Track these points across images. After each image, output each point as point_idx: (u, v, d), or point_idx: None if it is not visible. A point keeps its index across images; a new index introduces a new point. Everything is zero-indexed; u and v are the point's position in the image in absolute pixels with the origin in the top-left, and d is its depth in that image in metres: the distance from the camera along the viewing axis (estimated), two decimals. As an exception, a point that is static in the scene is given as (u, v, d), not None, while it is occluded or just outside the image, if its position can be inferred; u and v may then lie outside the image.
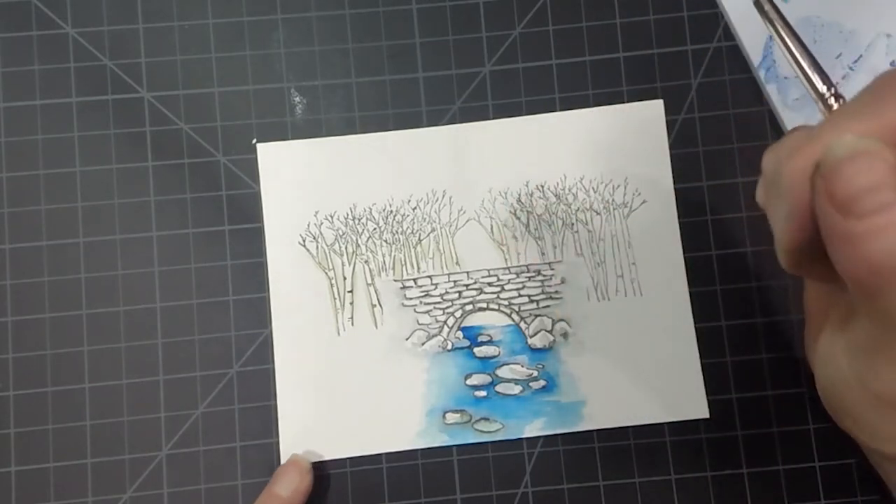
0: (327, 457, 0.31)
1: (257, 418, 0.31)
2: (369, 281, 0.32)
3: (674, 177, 0.33)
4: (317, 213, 0.33)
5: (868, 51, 0.33)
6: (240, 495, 0.31)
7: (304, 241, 0.32)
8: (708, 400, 0.32)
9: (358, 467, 0.31)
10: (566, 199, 0.33)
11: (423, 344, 0.32)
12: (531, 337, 0.32)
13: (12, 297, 0.32)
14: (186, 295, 0.32)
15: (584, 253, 0.33)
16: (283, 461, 0.31)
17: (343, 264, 0.32)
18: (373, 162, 0.33)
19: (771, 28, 0.26)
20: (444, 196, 0.33)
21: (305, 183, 0.33)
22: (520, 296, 0.32)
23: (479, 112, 0.33)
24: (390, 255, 0.33)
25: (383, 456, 0.31)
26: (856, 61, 0.33)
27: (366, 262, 0.32)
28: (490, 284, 0.32)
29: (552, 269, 0.32)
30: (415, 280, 0.32)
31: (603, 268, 0.32)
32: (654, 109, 0.33)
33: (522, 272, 0.32)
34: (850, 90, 0.32)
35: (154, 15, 0.34)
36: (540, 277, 0.32)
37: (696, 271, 0.32)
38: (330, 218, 0.33)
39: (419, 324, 0.32)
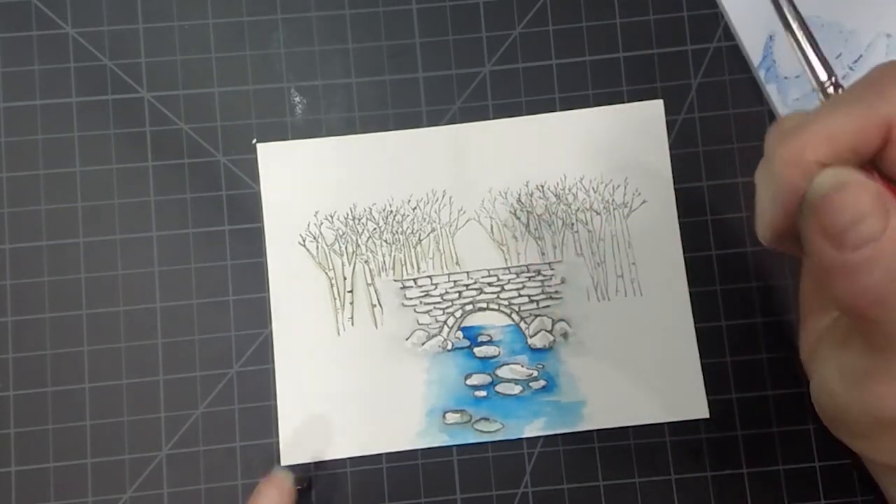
0: (327, 457, 0.31)
1: (257, 418, 0.31)
2: (369, 281, 0.32)
3: (674, 177, 0.33)
4: (317, 213, 0.33)
5: (868, 51, 0.33)
6: (240, 495, 0.31)
7: (304, 241, 0.32)
8: (708, 400, 0.32)
9: (358, 467, 0.31)
10: (566, 199, 0.33)
11: (423, 344, 0.32)
12: (531, 337, 0.32)
13: (12, 297, 0.32)
14: (186, 295, 0.32)
15: (584, 253, 0.33)
16: (283, 461, 0.31)
17: (343, 264, 0.32)
18: (373, 162, 0.33)
19: (776, 10, 0.25)
20: (444, 196, 0.33)
21: (305, 183, 0.33)
22: (520, 296, 0.32)
23: (479, 112, 0.33)
24: (390, 255, 0.33)
25: (383, 456, 0.31)
26: (856, 61, 0.33)
27: (366, 262, 0.32)
28: (490, 284, 0.32)
29: (552, 269, 0.32)
30: (415, 280, 0.32)
31: (603, 268, 0.32)
32: (654, 109, 0.33)
33: (522, 272, 0.32)
34: (850, 90, 0.32)
35: (154, 15, 0.34)
36: (540, 277, 0.32)
37: (696, 271, 0.32)
38: (330, 218, 0.33)
39: (419, 324, 0.32)
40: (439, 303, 0.32)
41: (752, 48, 0.33)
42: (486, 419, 0.32)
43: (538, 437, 0.31)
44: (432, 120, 0.33)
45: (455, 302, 0.32)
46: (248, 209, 0.33)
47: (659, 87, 0.33)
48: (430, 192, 0.33)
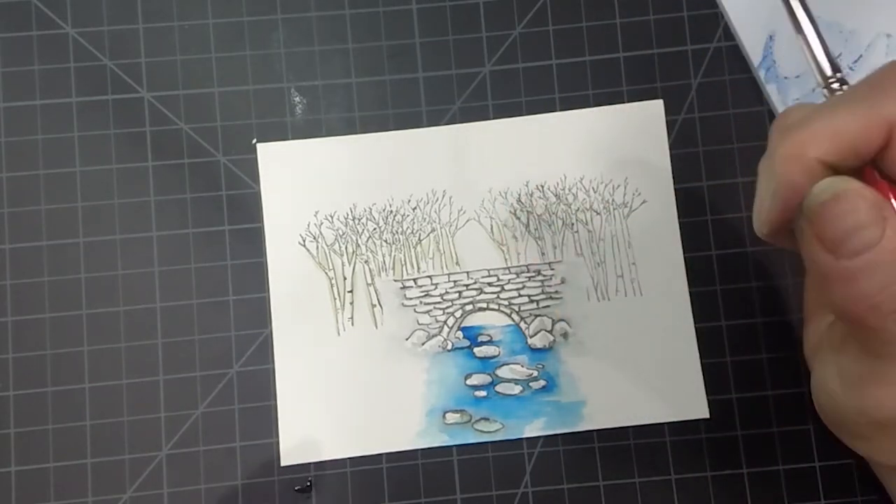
0: (327, 457, 0.31)
1: (257, 418, 0.31)
2: (369, 281, 0.32)
3: (674, 177, 0.33)
4: (317, 213, 0.33)
5: (868, 51, 0.33)
6: (240, 495, 0.31)
7: (304, 241, 0.32)
8: (708, 400, 0.32)
9: (358, 467, 0.31)
10: (566, 199, 0.33)
11: (423, 344, 0.32)
12: (531, 337, 0.32)
13: (12, 297, 0.32)
14: (186, 295, 0.32)
15: (584, 253, 0.33)
16: (283, 461, 0.31)
17: (343, 264, 0.32)
18: (373, 162, 0.33)
19: (784, 3, 0.25)
20: (444, 196, 0.33)
21: (305, 183, 0.33)
22: (520, 296, 0.32)
23: (479, 112, 0.33)
24: (390, 255, 0.33)
25: (383, 456, 0.31)
26: (856, 61, 0.33)
27: (366, 262, 0.32)
28: (490, 284, 0.32)
29: (552, 269, 0.32)
30: (415, 280, 0.32)
31: (603, 268, 0.32)
32: (654, 109, 0.33)
33: (522, 272, 0.32)
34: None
35: (154, 15, 0.34)
36: (540, 277, 0.32)
37: (696, 271, 0.32)
38: (330, 218, 0.33)
39: (419, 324, 0.32)
40: (439, 303, 0.32)
41: (752, 48, 0.33)
42: (486, 419, 0.32)
43: (538, 437, 0.31)
44: (432, 120, 0.33)
45: (455, 302, 0.32)
46: (248, 209, 0.33)
47: (659, 87, 0.33)
48: (430, 192, 0.33)
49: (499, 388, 0.32)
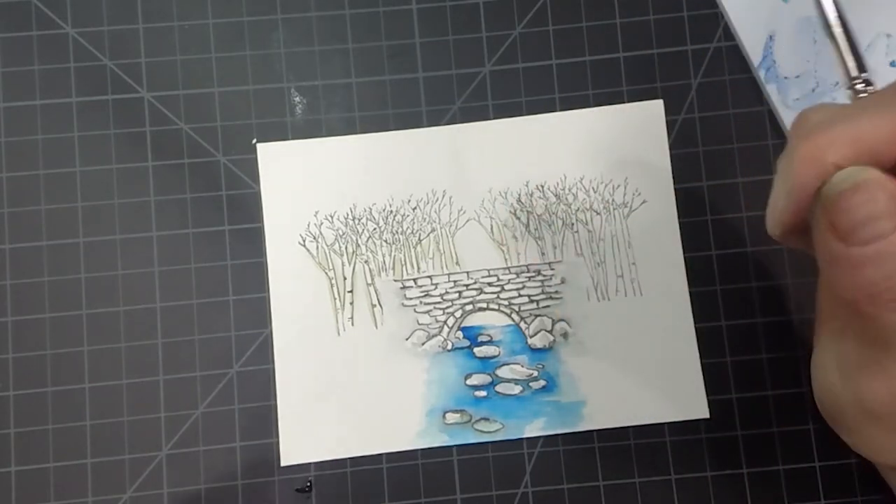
0: (327, 457, 0.31)
1: (257, 418, 0.31)
2: (369, 281, 0.32)
3: (674, 177, 0.33)
4: (317, 213, 0.33)
5: (868, 51, 0.33)
6: (240, 495, 0.31)
7: (304, 241, 0.32)
8: (708, 400, 0.32)
9: (358, 467, 0.31)
10: (566, 199, 0.33)
11: (423, 344, 0.32)
12: (531, 337, 0.32)
13: (12, 297, 0.32)
14: (186, 295, 0.32)
15: (584, 253, 0.33)
16: (283, 461, 0.31)
17: (343, 264, 0.32)
18: (373, 162, 0.33)
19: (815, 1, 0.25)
20: (444, 196, 0.33)
21: (305, 183, 0.33)
22: (520, 296, 0.32)
23: (479, 112, 0.33)
24: (390, 255, 0.33)
25: (383, 456, 0.31)
26: (856, 61, 0.33)
27: (366, 262, 0.32)
28: (490, 284, 0.32)
29: (552, 269, 0.32)
30: (415, 280, 0.32)
31: (603, 268, 0.32)
32: (654, 109, 0.33)
33: (522, 272, 0.32)
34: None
35: (154, 15, 0.34)
36: (540, 277, 0.32)
37: (696, 271, 0.32)
38: (330, 218, 0.33)
39: (419, 324, 0.32)
40: (439, 303, 0.32)
41: (752, 48, 0.33)
42: (486, 419, 0.32)
43: (538, 437, 0.31)
44: (432, 120, 0.33)
45: (455, 302, 0.32)
46: (248, 209, 0.33)
47: (659, 87, 0.33)
48: (430, 192, 0.33)
49: (499, 388, 0.32)
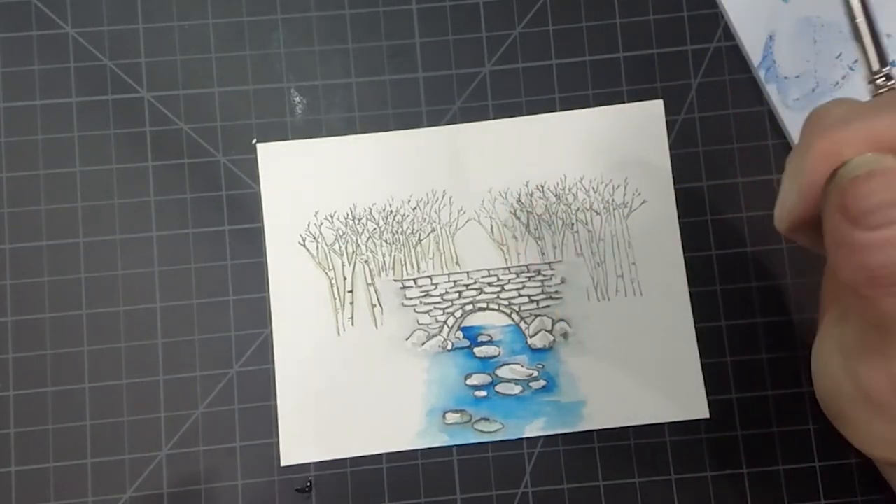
0: (327, 457, 0.31)
1: (257, 418, 0.31)
2: (369, 281, 0.32)
3: (674, 177, 0.33)
4: (317, 213, 0.33)
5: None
6: (240, 495, 0.31)
7: (304, 241, 0.32)
8: (708, 400, 0.32)
9: (358, 467, 0.31)
10: (566, 199, 0.33)
11: (423, 344, 0.32)
12: (531, 337, 0.32)
13: (12, 297, 0.32)
14: (186, 295, 0.32)
15: (584, 253, 0.33)
16: (283, 461, 0.31)
17: (343, 264, 0.32)
18: (373, 162, 0.33)
19: None
20: (444, 196, 0.33)
21: (305, 183, 0.33)
22: (520, 296, 0.32)
23: (479, 112, 0.33)
24: (390, 255, 0.33)
25: (383, 456, 0.31)
26: (856, 61, 0.33)
27: (366, 262, 0.32)
28: (490, 284, 0.32)
29: (552, 269, 0.32)
30: (415, 280, 0.32)
31: (603, 268, 0.32)
32: (654, 109, 0.33)
33: (522, 272, 0.32)
34: (850, 90, 0.32)
35: (154, 15, 0.34)
36: (540, 277, 0.32)
37: (696, 271, 0.32)
38: (330, 218, 0.33)
39: (419, 324, 0.32)
40: (439, 303, 0.32)
41: (752, 48, 0.33)
42: (486, 419, 0.32)
43: (538, 437, 0.31)
44: (432, 120, 0.33)
45: (455, 302, 0.32)
46: (248, 209, 0.33)
47: (659, 87, 0.33)
48: (430, 192, 0.33)
49: (499, 388, 0.32)
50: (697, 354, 0.32)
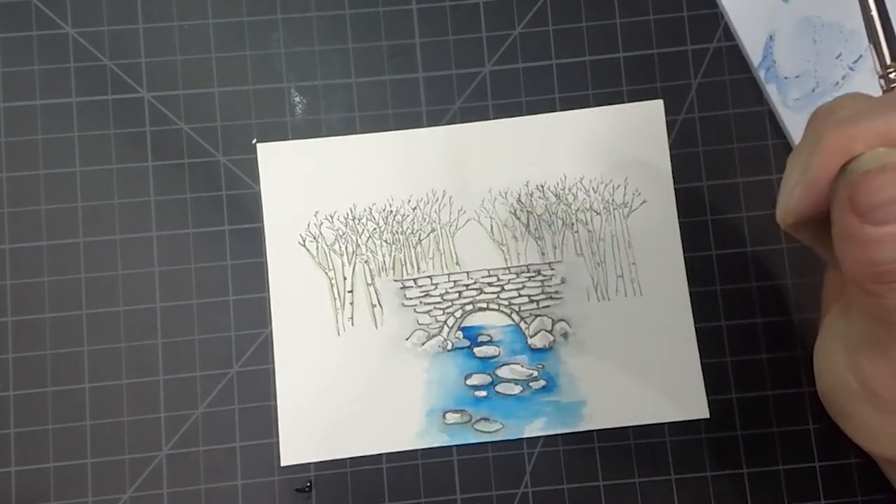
0: (327, 457, 0.31)
1: (257, 418, 0.31)
2: (369, 281, 0.32)
3: (674, 177, 0.33)
4: (317, 213, 0.33)
5: (868, 51, 0.32)
6: (240, 495, 0.31)
7: (304, 241, 0.32)
8: (708, 400, 0.32)
9: (358, 467, 0.31)
10: (566, 199, 0.33)
11: (423, 344, 0.32)
12: (531, 337, 0.32)
13: (12, 297, 0.32)
14: (186, 295, 0.32)
15: (584, 253, 0.33)
16: (283, 461, 0.31)
17: (343, 264, 0.32)
18: (373, 162, 0.33)
19: None
20: (444, 196, 0.33)
21: (305, 183, 0.33)
22: (520, 296, 0.32)
23: (479, 112, 0.33)
24: (390, 255, 0.33)
25: (383, 456, 0.31)
26: (856, 61, 0.33)
27: (366, 262, 0.32)
28: (490, 284, 0.32)
29: (552, 269, 0.32)
30: (415, 280, 0.32)
31: (603, 268, 0.32)
32: (654, 109, 0.33)
33: (522, 272, 0.32)
34: (849, 90, 0.32)
35: (154, 15, 0.34)
36: (540, 277, 0.32)
37: (696, 271, 0.32)
38: (330, 218, 0.33)
39: (419, 324, 0.32)
40: (439, 303, 0.32)
41: (752, 48, 0.33)
42: (486, 419, 0.32)
43: (538, 437, 0.31)
44: (432, 120, 0.33)
45: (455, 302, 0.32)
46: (248, 209, 0.33)
47: (659, 87, 0.33)
48: (430, 192, 0.33)
49: (499, 388, 0.32)
50: (697, 354, 0.32)
